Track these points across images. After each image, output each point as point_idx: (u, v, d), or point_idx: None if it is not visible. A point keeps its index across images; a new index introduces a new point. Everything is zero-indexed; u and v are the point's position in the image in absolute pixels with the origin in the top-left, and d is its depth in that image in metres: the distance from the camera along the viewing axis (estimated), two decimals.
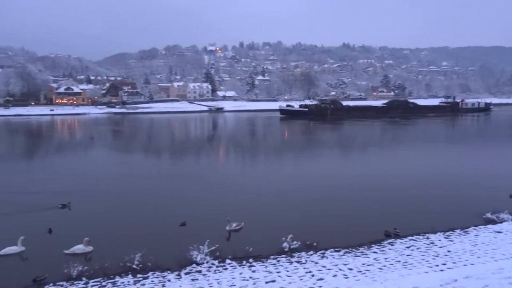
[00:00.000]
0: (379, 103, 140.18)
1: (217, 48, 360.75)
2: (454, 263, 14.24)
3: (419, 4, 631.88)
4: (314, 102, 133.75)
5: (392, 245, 16.22)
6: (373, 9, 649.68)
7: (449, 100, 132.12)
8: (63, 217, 20.62)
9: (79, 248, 15.86)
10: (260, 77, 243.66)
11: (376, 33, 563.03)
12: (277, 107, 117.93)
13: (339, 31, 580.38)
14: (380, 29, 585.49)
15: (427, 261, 14.46)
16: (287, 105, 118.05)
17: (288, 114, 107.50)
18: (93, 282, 13.36)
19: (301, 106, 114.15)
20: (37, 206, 21.96)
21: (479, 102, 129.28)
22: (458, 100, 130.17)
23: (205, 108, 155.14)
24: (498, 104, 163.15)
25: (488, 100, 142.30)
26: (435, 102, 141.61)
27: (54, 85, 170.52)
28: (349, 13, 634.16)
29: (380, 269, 13.83)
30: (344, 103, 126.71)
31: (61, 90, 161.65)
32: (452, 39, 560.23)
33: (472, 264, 14.01)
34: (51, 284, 13.24)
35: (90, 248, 15.97)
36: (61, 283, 13.31)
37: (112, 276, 13.76)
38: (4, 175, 33.06)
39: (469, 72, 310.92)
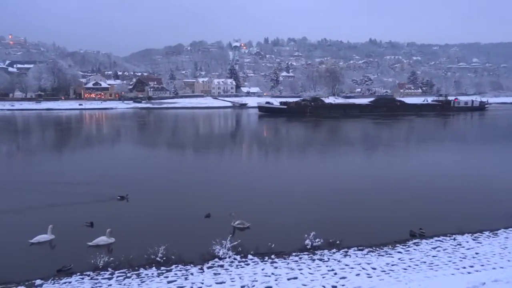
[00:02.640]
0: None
1: (242, 44, 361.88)
2: (482, 265, 13.84)
3: None
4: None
5: (417, 245, 15.90)
6: (401, 4, 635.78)
7: (441, 98, 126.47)
8: (109, 209, 21.10)
9: (103, 239, 16.25)
10: (284, 73, 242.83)
11: (404, 29, 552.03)
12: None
13: (365, 27, 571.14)
14: (408, 24, 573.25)
15: (454, 262, 14.11)
16: (266, 102, 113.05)
17: (267, 112, 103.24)
18: (118, 273, 13.67)
19: (281, 103, 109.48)
20: (99, 197, 22.67)
21: (473, 101, 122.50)
22: (451, 98, 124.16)
23: (229, 104, 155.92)
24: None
25: (484, 99, 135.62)
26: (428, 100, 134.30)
27: (83, 80, 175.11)
28: (376, 9, 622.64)
29: (405, 269, 13.58)
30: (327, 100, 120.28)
31: (90, 85, 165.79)
32: (483, 34, 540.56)
33: (501, 268, 13.57)
34: (78, 273, 13.64)
35: (112, 239, 16.36)
36: (88, 273, 13.69)
37: (136, 268, 14.05)
38: (60, 166, 34.26)
39: (501, 69, 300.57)
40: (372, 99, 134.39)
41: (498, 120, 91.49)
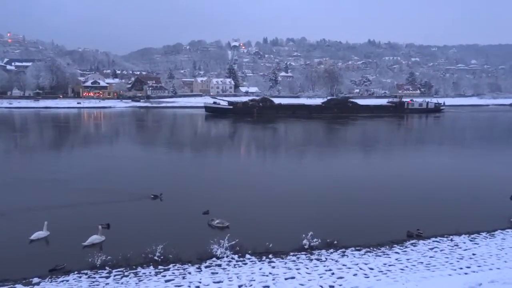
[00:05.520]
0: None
1: (241, 44, 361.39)
2: (479, 266, 13.90)
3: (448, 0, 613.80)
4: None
5: (414, 246, 15.95)
6: (399, 5, 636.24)
7: (395, 100, 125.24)
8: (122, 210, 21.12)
9: (96, 238, 16.30)
10: (283, 73, 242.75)
11: (402, 29, 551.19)
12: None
13: (364, 27, 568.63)
14: (407, 26, 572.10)
15: (450, 263, 14.17)
16: (214, 102, 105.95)
17: (213, 112, 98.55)
18: (116, 271, 13.67)
19: (228, 103, 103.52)
20: (131, 196, 22.81)
21: (428, 102, 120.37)
22: (405, 100, 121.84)
23: None
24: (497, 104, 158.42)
25: (441, 100, 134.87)
26: (384, 101, 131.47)
27: (82, 78, 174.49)
28: (375, 9, 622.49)
29: (402, 269, 13.63)
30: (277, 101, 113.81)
31: (88, 83, 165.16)
32: (482, 36, 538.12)
33: (498, 269, 13.64)
34: (76, 272, 13.62)
35: (103, 237, 16.44)
36: (85, 271, 13.67)
37: (134, 267, 14.05)
38: (57, 164, 34.16)
39: (499, 71, 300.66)
40: (324, 99, 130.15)
41: (450, 122, 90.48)
